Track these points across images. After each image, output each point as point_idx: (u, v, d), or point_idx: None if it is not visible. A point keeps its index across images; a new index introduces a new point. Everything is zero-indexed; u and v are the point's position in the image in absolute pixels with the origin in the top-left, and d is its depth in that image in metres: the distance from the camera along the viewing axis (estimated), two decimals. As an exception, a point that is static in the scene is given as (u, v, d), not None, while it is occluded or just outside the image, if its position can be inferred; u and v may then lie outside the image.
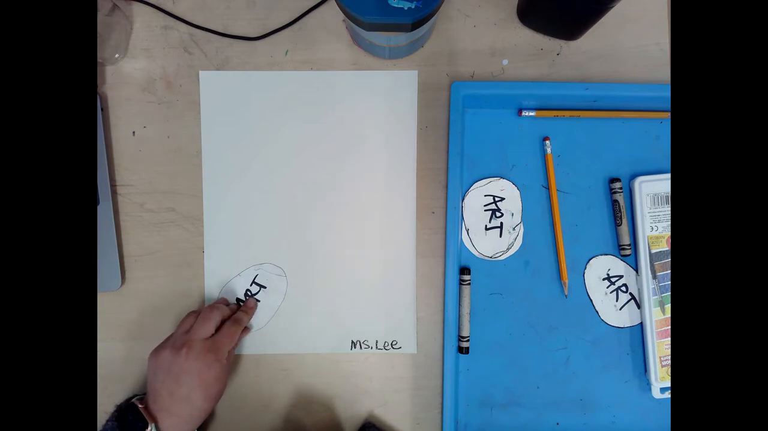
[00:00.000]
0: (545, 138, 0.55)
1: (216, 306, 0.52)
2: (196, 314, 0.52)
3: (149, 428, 0.45)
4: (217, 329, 0.50)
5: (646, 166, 0.55)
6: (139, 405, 0.46)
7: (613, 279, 0.56)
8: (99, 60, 0.55)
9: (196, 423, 0.48)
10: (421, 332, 0.56)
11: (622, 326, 0.55)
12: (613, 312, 0.55)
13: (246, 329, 0.55)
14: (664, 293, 0.54)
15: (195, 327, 0.49)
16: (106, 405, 0.54)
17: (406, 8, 0.43)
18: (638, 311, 0.55)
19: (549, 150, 0.55)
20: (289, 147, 0.57)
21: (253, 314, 0.55)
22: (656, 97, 0.53)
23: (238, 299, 0.56)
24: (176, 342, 0.48)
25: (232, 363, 0.54)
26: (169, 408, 0.46)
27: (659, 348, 0.53)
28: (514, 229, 0.56)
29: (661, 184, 0.54)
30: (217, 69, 0.57)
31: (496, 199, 0.56)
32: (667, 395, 0.53)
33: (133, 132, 0.57)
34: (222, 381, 0.49)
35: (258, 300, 0.56)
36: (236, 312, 0.53)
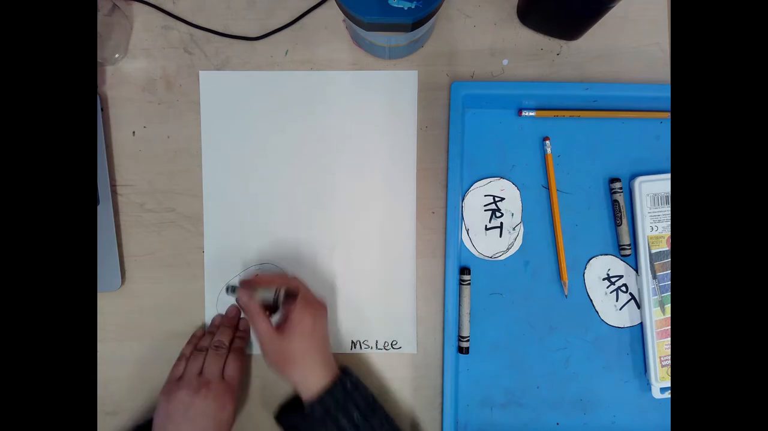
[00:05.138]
0: (545, 138, 0.55)
1: (219, 342, 0.52)
2: (193, 345, 0.52)
3: None
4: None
5: (646, 166, 0.55)
6: None
7: (613, 279, 0.56)
8: (99, 60, 0.55)
9: None
10: (421, 332, 0.56)
11: (622, 326, 0.55)
12: (613, 312, 0.55)
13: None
14: (664, 293, 0.54)
15: (207, 365, 0.50)
16: (106, 405, 0.54)
17: (406, 8, 0.43)
18: (638, 311, 0.55)
19: (549, 150, 0.55)
20: (289, 147, 0.57)
21: (249, 337, 0.55)
22: (656, 97, 0.53)
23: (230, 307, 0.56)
24: (192, 383, 0.48)
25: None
26: None
27: (659, 348, 0.53)
28: (514, 229, 0.56)
29: (661, 184, 0.54)
30: (217, 69, 0.57)
31: (496, 199, 0.56)
32: (667, 395, 0.53)
33: (133, 132, 0.57)
34: (233, 415, 0.50)
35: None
36: (234, 341, 0.53)
